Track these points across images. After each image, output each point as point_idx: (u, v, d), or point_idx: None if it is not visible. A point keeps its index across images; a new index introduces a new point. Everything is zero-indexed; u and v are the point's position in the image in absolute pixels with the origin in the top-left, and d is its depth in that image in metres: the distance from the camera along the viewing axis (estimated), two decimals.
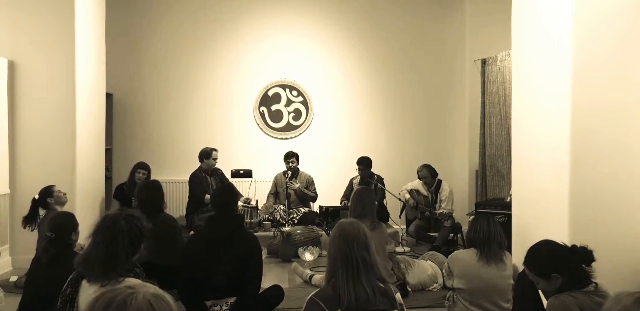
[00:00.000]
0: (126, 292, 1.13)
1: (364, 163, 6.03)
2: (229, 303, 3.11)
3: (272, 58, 6.82)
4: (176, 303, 3.20)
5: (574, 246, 2.32)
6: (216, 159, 5.97)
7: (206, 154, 5.94)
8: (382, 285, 2.06)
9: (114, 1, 6.19)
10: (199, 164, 6.00)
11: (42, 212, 4.17)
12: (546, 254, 2.30)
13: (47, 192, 4.21)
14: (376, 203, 5.50)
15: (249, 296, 3.12)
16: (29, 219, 4.13)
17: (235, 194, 3.46)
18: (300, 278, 4.51)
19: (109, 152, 6.31)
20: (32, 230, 4.12)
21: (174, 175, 6.51)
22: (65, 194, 4.32)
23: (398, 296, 2.09)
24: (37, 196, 4.20)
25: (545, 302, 2.50)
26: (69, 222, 2.97)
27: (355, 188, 6.07)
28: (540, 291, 2.55)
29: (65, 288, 2.17)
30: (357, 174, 6.15)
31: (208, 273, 3.07)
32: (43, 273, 2.84)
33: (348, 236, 2.06)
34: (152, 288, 1.17)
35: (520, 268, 2.78)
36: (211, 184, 5.92)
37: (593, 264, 2.27)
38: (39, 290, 2.81)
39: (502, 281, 3.10)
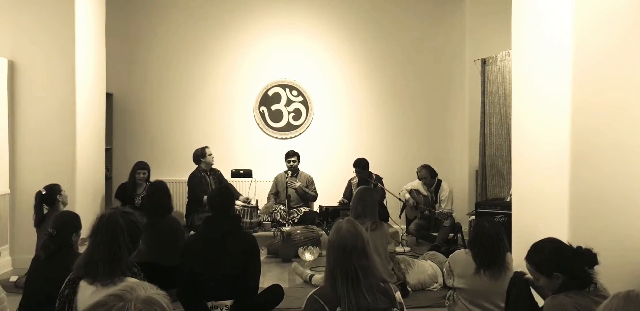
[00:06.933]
0: (118, 305, 1.11)
1: (360, 165, 6.01)
2: (228, 305, 3.10)
3: (272, 58, 6.82)
4: (174, 303, 3.21)
5: (579, 247, 2.31)
6: (211, 155, 5.96)
7: (201, 154, 5.92)
8: (382, 284, 2.07)
9: (114, 1, 6.19)
10: (196, 165, 5.99)
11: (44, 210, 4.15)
12: (550, 252, 2.30)
13: (56, 190, 4.18)
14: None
15: (248, 296, 3.12)
16: (42, 217, 4.06)
17: (232, 194, 3.47)
18: (300, 278, 4.51)
19: (109, 152, 6.31)
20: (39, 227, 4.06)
21: (174, 175, 6.50)
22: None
23: (398, 295, 2.09)
24: (43, 191, 4.14)
25: (540, 303, 2.50)
26: (74, 222, 2.95)
27: (353, 188, 6.07)
28: (534, 291, 2.56)
29: (63, 289, 2.17)
30: (356, 177, 6.14)
31: (206, 273, 3.07)
32: (42, 272, 2.84)
33: (345, 246, 2.04)
34: (142, 293, 1.16)
35: (519, 268, 2.77)
36: (210, 183, 5.92)
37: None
38: (39, 289, 2.81)
39: (502, 282, 3.08)
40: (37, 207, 4.12)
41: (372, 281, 2.03)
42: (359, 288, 1.99)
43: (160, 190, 4.19)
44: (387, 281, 2.11)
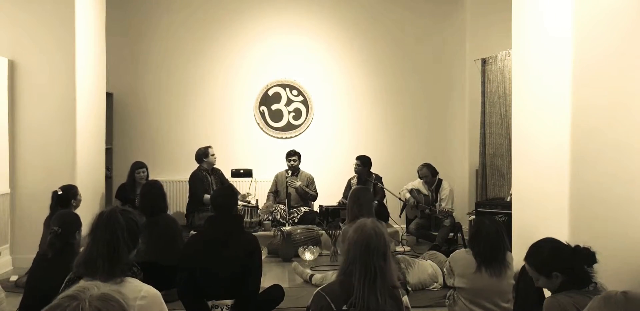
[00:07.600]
0: (72, 305, 1.09)
1: (361, 160, 6.04)
2: (229, 305, 3.11)
3: (273, 58, 6.82)
4: (174, 303, 3.21)
5: (577, 246, 2.31)
6: (214, 155, 5.98)
7: (204, 154, 5.94)
8: (391, 289, 2.08)
9: (114, 1, 6.20)
10: (198, 164, 5.99)
11: None
12: (548, 252, 2.30)
13: (73, 192, 4.19)
14: (376, 202, 5.51)
15: (249, 296, 3.12)
16: None
17: (235, 195, 3.48)
18: (301, 278, 4.51)
19: (109, 151, 6.32)
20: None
21: (174, 174, 6.51)
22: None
23: (405, 299, 2.11)
24: (59, 191, 4.12)
25: (548, 294, 2.49)
26: (76, 221, 2.98)
27: (353, 187, 6.07)
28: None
29: (62, 288, 2.16)
30: (354, 173, 6.14)
31: (208, 273, 3.07)
32: (45, 271, 2.85)
33: (369, 244, 2.06)
34: (96, 290, 1.14)
35: (520, 266, 2.77)
36: (211, 183, 5.92)
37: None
38: (40, 288, 2.81)
39: (503, 281, 3.09)
40: (54, 207, 4.09)
41: (386, 283, 2.05)
42: (374, 288, 2.00)
43: (155, 190, 4.19)
44: (397, 287, 2.12)
